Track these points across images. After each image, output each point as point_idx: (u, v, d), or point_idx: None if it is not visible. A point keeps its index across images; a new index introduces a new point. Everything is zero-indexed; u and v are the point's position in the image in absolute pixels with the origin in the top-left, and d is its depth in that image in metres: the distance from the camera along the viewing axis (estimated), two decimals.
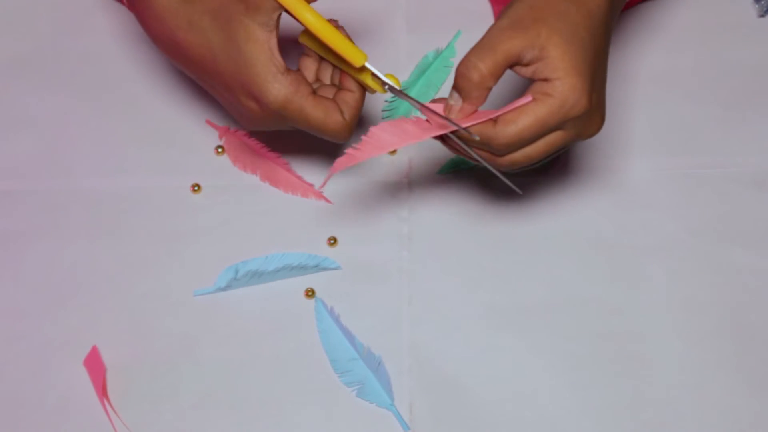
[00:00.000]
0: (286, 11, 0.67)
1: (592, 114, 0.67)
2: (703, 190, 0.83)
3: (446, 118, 0.67)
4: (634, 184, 0.84)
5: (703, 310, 0.79)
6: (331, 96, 0.73)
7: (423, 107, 0.69)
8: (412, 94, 0.85)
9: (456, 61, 0.87)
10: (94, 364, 0.77)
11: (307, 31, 0.69)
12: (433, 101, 0.69)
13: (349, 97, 0.72)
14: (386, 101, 0.86)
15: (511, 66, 0.66)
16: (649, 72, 0.88)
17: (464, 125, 0.67)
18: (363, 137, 0.68)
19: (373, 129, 0.68)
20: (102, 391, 0.76)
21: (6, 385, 0.77)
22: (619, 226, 0.82)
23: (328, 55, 0.71)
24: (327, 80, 0.74)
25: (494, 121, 0.66)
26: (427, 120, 0.69)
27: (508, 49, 0.65)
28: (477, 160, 0.69)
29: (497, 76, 0.66)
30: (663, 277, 0.80)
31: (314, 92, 0.70)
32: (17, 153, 0.85)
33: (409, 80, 0.87)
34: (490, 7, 0.90)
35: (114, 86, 0.87)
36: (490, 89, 0.66)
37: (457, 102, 0.67)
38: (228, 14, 0.67)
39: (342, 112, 0.71)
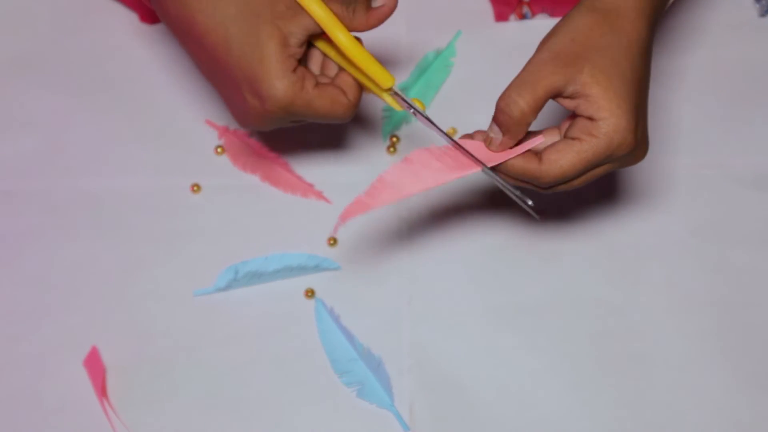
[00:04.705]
0: (320, 28, 0.67)
1: (636, 149, 0.66)
2: (703, 190, 0.83)
3: (469, 155, 0.67)
4: (634, 184, 0.84)
5: (703, 310, 0.79)
6: (329, 79, 0.72)
7: (456, 144, 0.67)
8: (412, 94, 0.85)
9: (456, 61, 0.88)
10: (94, 365, 0.77)
11: (329, 42, 0.69)
12: (465, 136, 0.68)
13: (349, 77, 0.71)
14: (384, 108, 0.86)
15: (552, 97, 0.66)
16: None
17: (494, 163, 0.67)
18: (373, 183, 0.66)
19: (383, 176, 0.66)
20: (102, 391, 0.76)
21: (6, 385, 0.77)
22: (619, 226, 0.82)
23: (350, 68, 0.70)
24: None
25: (539, 159, 0.65)
26: (440, 155, 0.67)
27: (549, 84, 0.64)
28: (506, 189, 0.68)
29: (537, 111, 0.65)
30: (663, 277, 0.80)
31: (318, 83, 0.69)
32: (17, 153, 0.84)
33: (408, 80, 0.87)
34: (490, 7, 0.90)
35: (114, 86, 0.87)
36: (530, 124, 0.66)
37: (497, 135, 0.66)
38: (256, 9, 0.66)
39: (345, 93, 0.70)
